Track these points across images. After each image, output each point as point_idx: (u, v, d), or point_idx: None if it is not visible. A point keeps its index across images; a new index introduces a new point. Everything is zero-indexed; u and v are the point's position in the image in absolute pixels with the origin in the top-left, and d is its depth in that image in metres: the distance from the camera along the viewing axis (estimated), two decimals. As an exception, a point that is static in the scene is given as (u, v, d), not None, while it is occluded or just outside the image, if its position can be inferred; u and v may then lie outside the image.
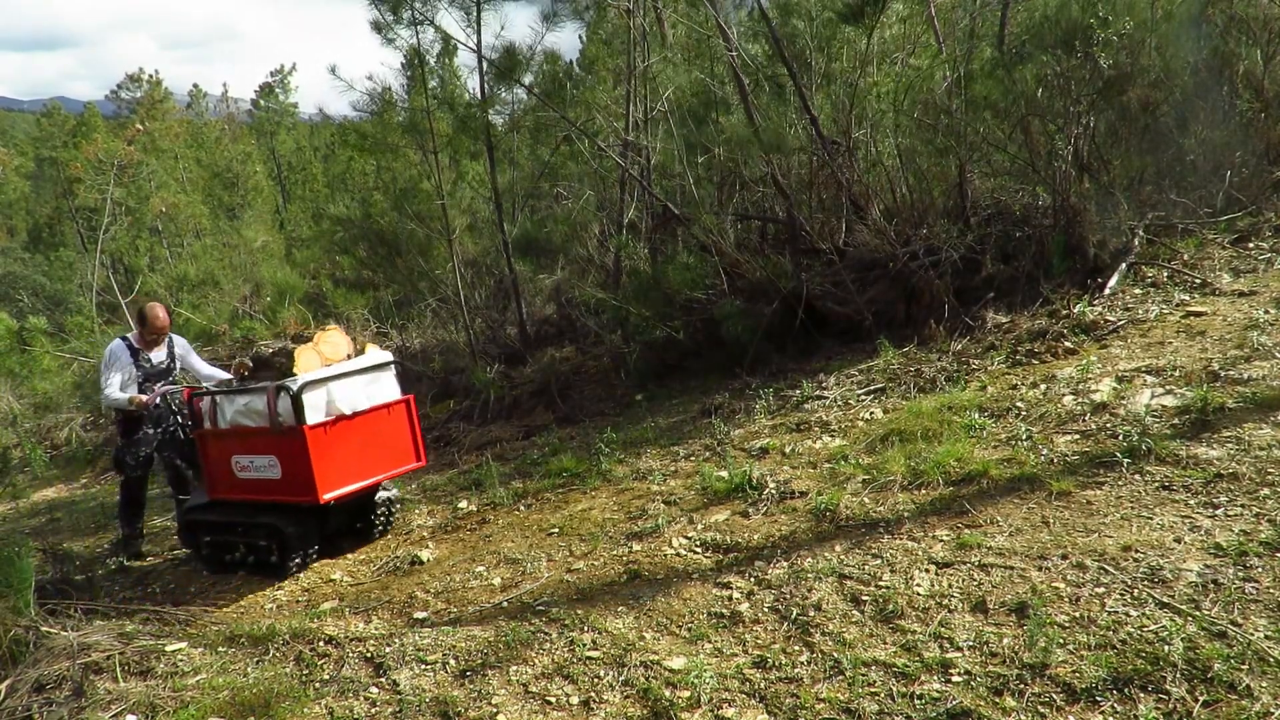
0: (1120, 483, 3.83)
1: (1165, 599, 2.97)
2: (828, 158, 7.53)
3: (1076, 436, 4.38)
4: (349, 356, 5.21)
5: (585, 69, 12.25)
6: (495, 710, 3.16)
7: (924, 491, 4.22)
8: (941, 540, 3.69)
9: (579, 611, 3.77)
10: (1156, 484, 3.75)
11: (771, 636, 3.28)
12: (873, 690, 2.84)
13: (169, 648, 4.14)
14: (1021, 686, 2.70)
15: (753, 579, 3.73)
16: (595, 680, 3.22)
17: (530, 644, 3.56)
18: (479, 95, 9.22)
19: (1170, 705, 2.50)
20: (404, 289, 11.33)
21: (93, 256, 15.91)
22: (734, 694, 2.98)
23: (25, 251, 26.31)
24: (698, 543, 4.25)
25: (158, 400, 5.55)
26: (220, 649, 4.08)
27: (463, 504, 5.90)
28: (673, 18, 9.16)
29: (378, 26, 8.81)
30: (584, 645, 3.47)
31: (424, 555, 5.00)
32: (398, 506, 5.74)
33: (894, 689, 2.82)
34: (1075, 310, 6.11)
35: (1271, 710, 2.40)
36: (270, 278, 14.92)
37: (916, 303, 6.97)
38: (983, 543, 3.57)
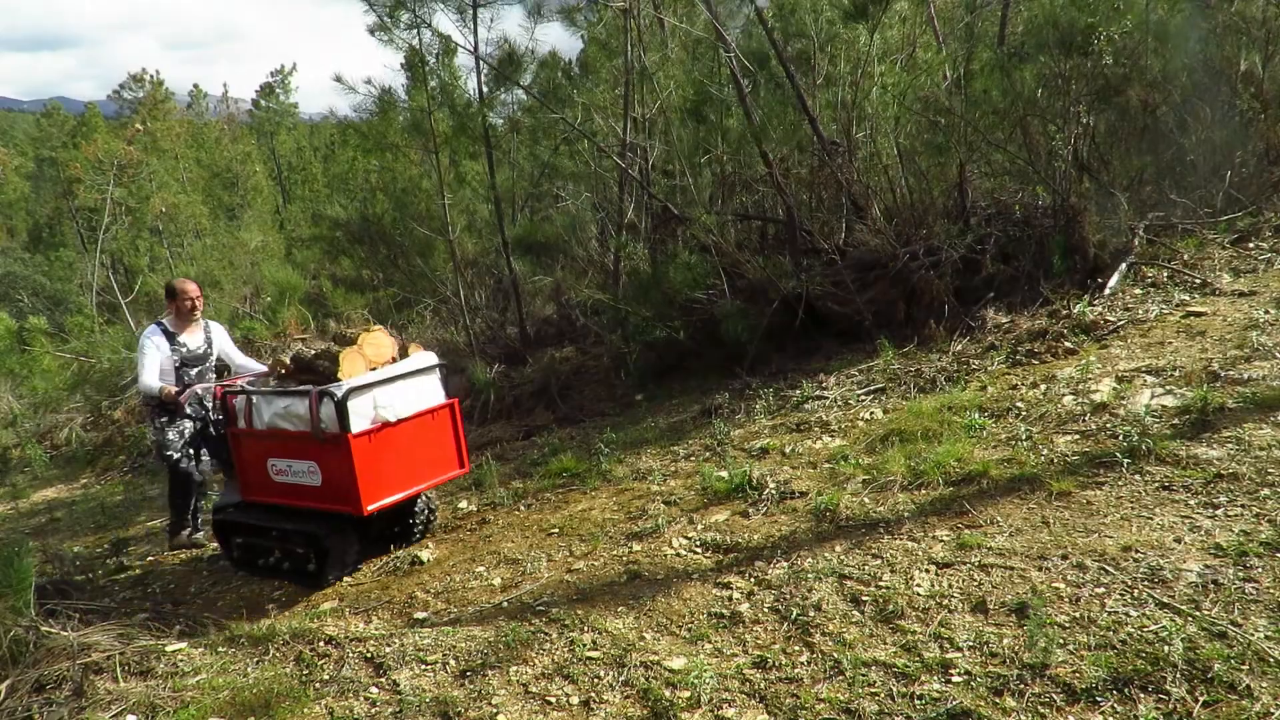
0: (1120, 483, 3.83)
1: (1165, 599, 2.97)
2: (828, 158, 7.53)
3: (1076, 436, 4.38)
4: (393, 359, 4.98)
5: (585, 69, 12.25)
6: (495, 710, 3.16)
7: (924, 491, 4.22)
8: (941, 540, 3.69)
9: (579, 611, 3.77)
10: (1156, 484, 3.75)
11: (771, 636, 3.28)
12: (873, 690, 2.84)
13: (169, 648, 4.14)
14: (1021, 686, 2.70)
15: (753, 579, 3.73)
16: (595, 680, 3.22)
17: (530, 644, 3.56)
18: (478, 96, 9.23)
19: (1170, 705, 2.50)
20: (404, 289, 11.33)
21: (93, 256, 15.92)
22: (734, 694, 2.98)
23: (25, 251, 26.32)
24: (698, 543, 4.25)
25: (188, 407, 5.43)
26: (220, 649, 4.08)
27: (463, 504, 5.90)
28: (672, 18, 9.15)
29: (375, 29, 8.82)
30: (584, 645, 3.47)
31: (424, 555, 5.00)
32: (437, 509, 5.56)
33: (894, 689, 2.82)
34: (1075, 310, 6.11)
35: (1271, 710, 2.40)
36: (270, 278, 14.92)
37: (916, 303, 6.97)
38: (983, 543, 3.57)
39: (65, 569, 5.63)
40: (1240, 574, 3.02)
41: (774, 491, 4.59)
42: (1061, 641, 2.84)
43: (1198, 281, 6.29)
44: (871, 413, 5.54)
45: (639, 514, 4.83)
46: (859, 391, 6.03)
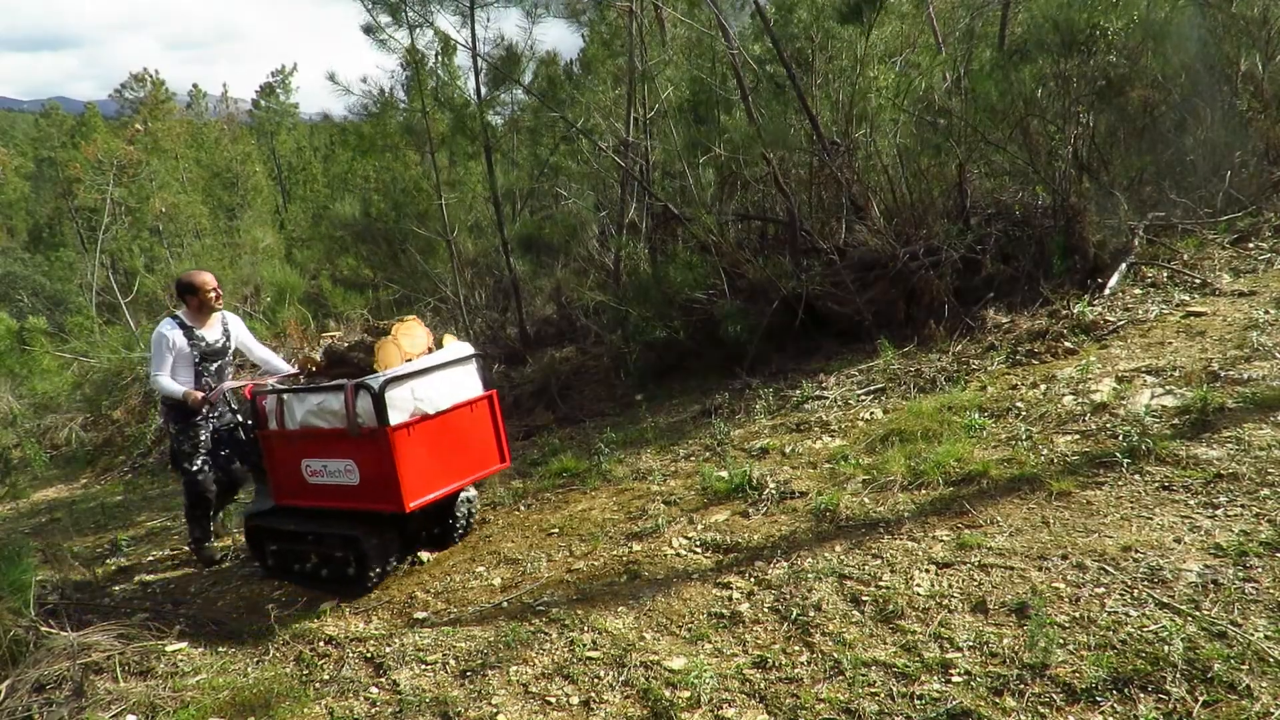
0: (1120, 483, 3.83)
1: (1165, 599, 2.97)
2: (828, 158, 7.53)
3: (1076, 436, 4.38)
4: (429, 349, 4.78)
5: (585, 69, 12.25)
6: (495, 710, 3.16)
7: (924, 491, 4.22)
8: (941, 540, 3.69)
9: (579, 611, 3.77)
10: (1156, 484, 3.75)
11: (771, 636, 3.28)
12: (873, 690, 2.84)
13: (169, 648, 4.14)
14: (1021, 686, 2.70)
15: (753, 579, 3.73)
16: (595, 680, 3.22)
17: (530, 644, 3.57)
18: (477, 96, 9.23)
19: (1170, 705, 2.50)
20: (404, 289, 11.34)
21: (93, 256, 15.91)
22: (734, 694, 2.98)
23: (25, 251, 26.32)
24: (698, 543, 4.25)
25: (217, 408, 5.18)
26: (220, 649, 4.09)
27: (463, 504, 5.90)
28: (673, 17, 9.16)
29: (370, 30, 8.82)
30: (584, 645, 3.47)
31: (424, 555, 5.00)
32: (477, 507, 5.37)
33: (894, 689, 2.82)
34: (1075, 310, 6.11)
35: (1271, 710, 2.40)
36: (270, 278, 14.93)
37: (916, 303, 6.97)
38: (983, 543, 3.57)
39: (65, 569, 5.62)
40: (1240, 574, 3.02)
41: (774, 491, 4.59)
42: (1061, 641, 2.84)
43: (1198, 281, 6.29)
44: (871, 413, 5.54)
45: (639, 514, 4.83)
46: (859, 391, 6.03)
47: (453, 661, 3.56)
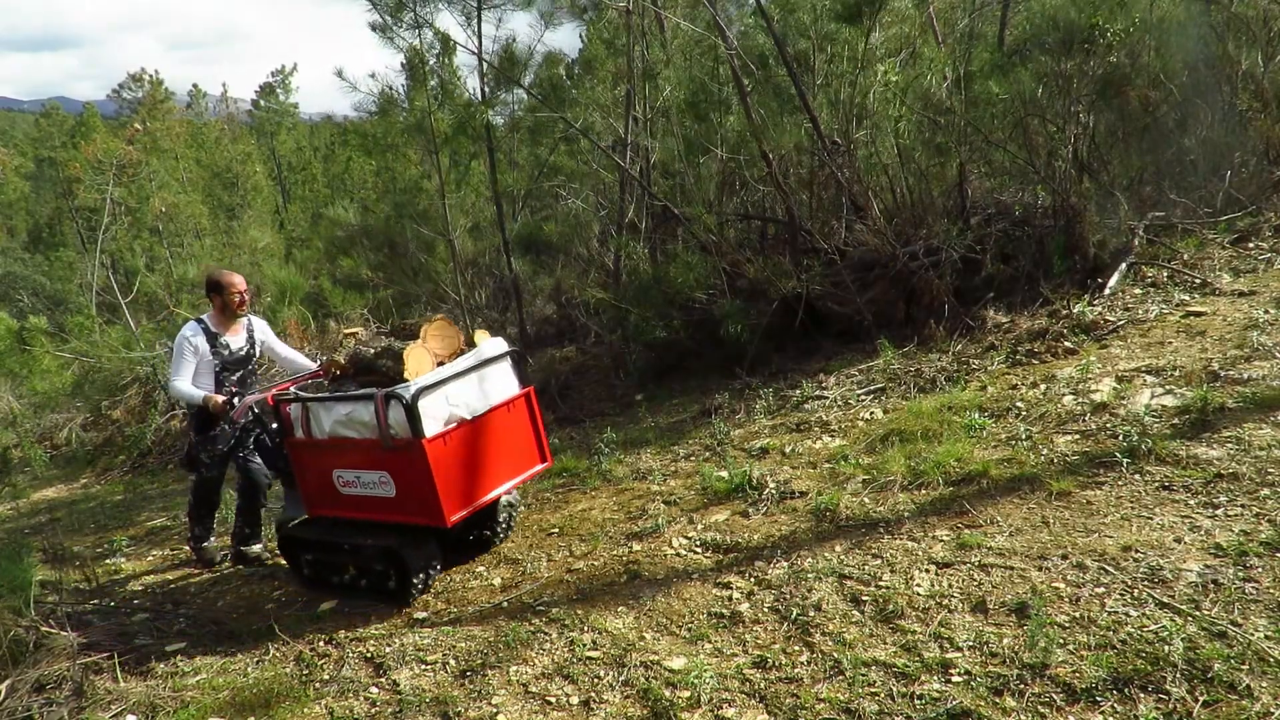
0: (1120, 483, 3.83)
1: (1165, 599, 2.97)
2: (828, 157, 7.53)
3: (1076, 436, 4.38)
4: (461, 350, 4.51)
5: (585, 69, 12.26)
6: (495, 710, 3.16)
7: (924, 491, 4.22)
8: (941, 540, 3.69)
9: (579, 611, 3.77)
10: (1156, 484, 3.75)
11: (771, 636, 3.28)
12: (873, 690, 2.84)
13: (169, 648, 4.14)
14: (1021, 686, 2.70)
15: (753, 579, 3.73)
16: (595, 680, 3.22)
17: (530, 644, 3.57)
18: (479, 96, 9.24)
19: (1170, 705, 2.50)
20: (405, 289, 11.35)
21: (93, 256, 15.90)
22: (734, 694, 2.98)
23: (25, 251, 26.35)
24: (698, 543, 4.25)
25: (243, 417, 4.85)
26: (220, 649, 4.09)
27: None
28: (671, 20, 9.16)
29: (377, 28, 8.82)
30: (584, 645, 3.47)
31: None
32: (519, 510, 5.16)
33: (894, 689, 2.82)
34: (1075, 310, 6.11)
35: (1271, 710, 2.40)
36: (271, 277, 14.92)
37: (916, 303, 6.97)
38: (983, 543, 3.57)
39: (65, 569, 5.62)
40: (1240, 574, 3.02)
41: (774, 491, 4.59)
42: (1061, 641, 2.84)
43: (1198, 281, 6.29)
44: (871, 413, 5.54)
45: (639, 514, 4.83)
46: (859, 391, 6.02)
47: (453, 661, 3.56)
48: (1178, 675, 2.60)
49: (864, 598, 3.38)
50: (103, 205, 17.15)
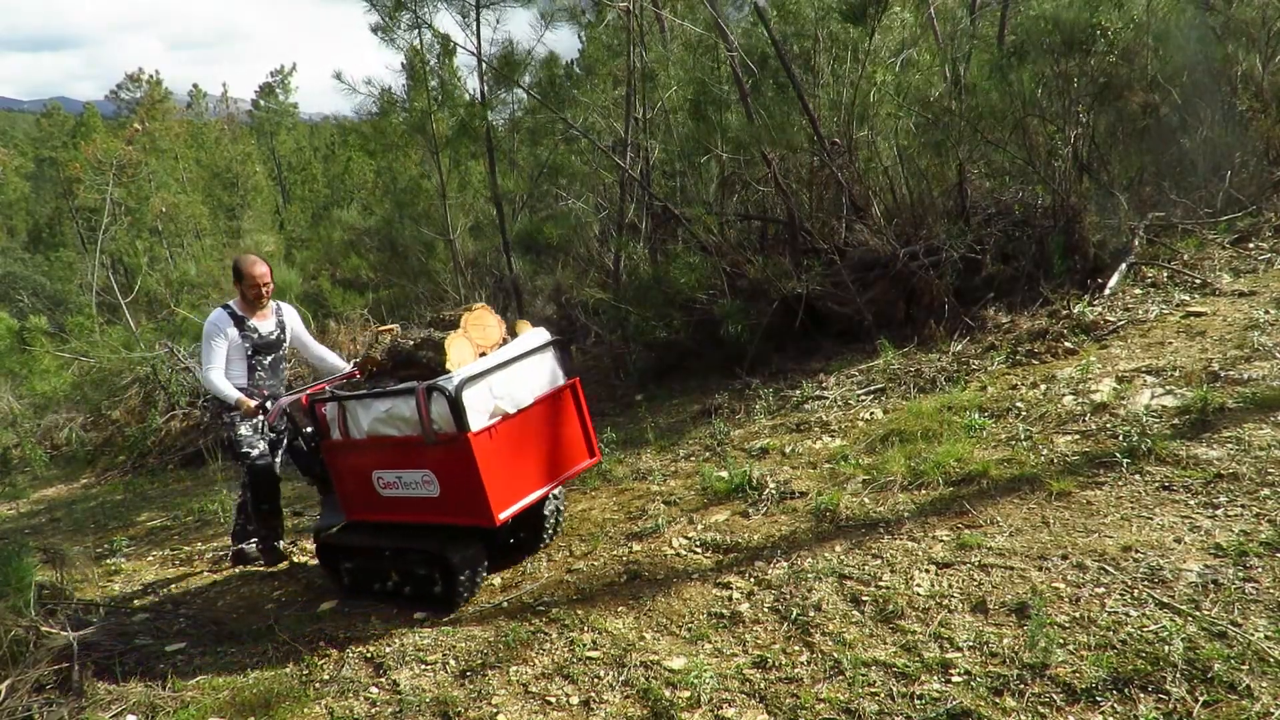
0: (1120, 483, 3.83)
1: (1165, 599, 2.97)
2: (828, 158, 7.53)
3: (1076, 436, 4.38)
4: (503, 340, 4.33)
5: (585, 70, 12.26)
6: (495, 710, 3.16)
7: (924, 491, 4.22)
8: (941, 540, 3.69)
9: (579, 611, 3.77)
10: (1156, 484, 3.75)
11: (771, 636, 3.28)
12: (873, 690, 2.84)
13: (169, 648, 4.15)
14: (1021, 686, 2.70)
15: (753, 579, 3.73)
16: (595, 680, 3.23)
17: (530, 644, 3.57)
18: (479, 96, 9.24)
19: (1170, 705, 2.50)
20: (405, 288, 11.35)
21: (93, 256, 15.90)
22: (734, 694, 2.98)
23: (25, 251, 26.36)
24: (698, 543, 4.25)
25: (275, 420, 4.68)
26: (220, 649, 4.09)
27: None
28: (671, 21, 9.16)
29: (377, 29, 8.83)
30: (584, 645, 3.47)
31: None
32: (565, 507, 4.99)
33: (894, 689, 2.82)
34: (1075, 310, 6.11)
35: (1271, 710, 2.40)
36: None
37: (916, 303, 6.97)
38: (983, 543, 3.57)
39: (65, 569, 5.62)
40: (1240, 574, 3.02)
41: (774, 491, 4.59)
42: (1061, 641, 2.84)
43: (1198, 281, 6.29)
44: (871, 413, 5.54)
45: (639, 514, 4.83)
46: (859, 391, 6.02)
47: (453, 661, 3.56)
48: (1178, 675, 2.60)
49: (864, 598, 3.38)
50: (103, 205, 17.15)
